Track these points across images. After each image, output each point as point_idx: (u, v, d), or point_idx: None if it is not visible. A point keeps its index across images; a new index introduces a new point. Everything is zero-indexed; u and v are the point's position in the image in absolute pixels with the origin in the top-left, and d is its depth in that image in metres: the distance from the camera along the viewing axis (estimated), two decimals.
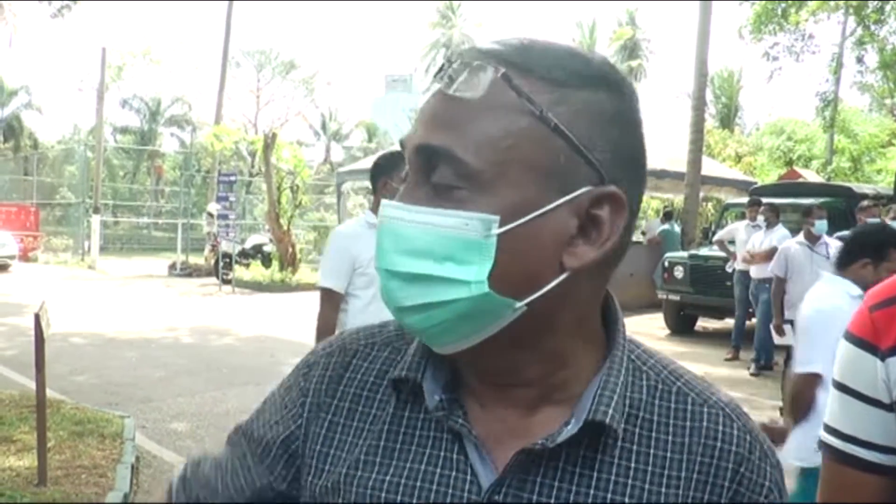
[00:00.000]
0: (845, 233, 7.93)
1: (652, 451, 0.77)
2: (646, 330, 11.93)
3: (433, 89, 0.76)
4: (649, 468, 0.76)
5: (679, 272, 11.18)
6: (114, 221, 32.01)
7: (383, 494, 0.79)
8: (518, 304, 0.72)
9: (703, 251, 11.76)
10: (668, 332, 11.62)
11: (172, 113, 42.15)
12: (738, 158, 25.84)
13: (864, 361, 1.10)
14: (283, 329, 11.05)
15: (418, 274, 0.72)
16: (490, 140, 0.71)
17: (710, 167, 16.70)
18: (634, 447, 0.77)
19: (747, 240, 9.27)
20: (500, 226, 0.70)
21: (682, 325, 11.68)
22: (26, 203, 25.30)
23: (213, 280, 17.08)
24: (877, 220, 7.40)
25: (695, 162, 14.72)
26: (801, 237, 6.99)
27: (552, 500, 0.75)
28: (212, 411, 6.56)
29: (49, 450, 4.63)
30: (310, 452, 0.87)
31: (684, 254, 11.92)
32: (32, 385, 4.89)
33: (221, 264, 16.70)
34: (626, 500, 0.74)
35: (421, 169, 0.74)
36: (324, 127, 46.81)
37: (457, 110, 0.72)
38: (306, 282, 16.99)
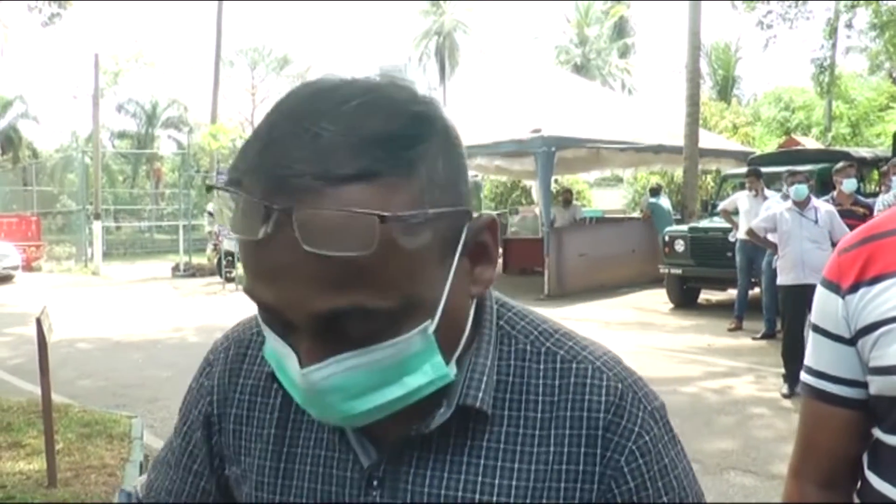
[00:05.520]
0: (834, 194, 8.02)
1: (521, 430, 0.77)
2: (650, 305, 11.93)
3: (261, 238, 0.64)
4: (517, 447, 0.77)
5: (680, 246, 11.17)
6: (115, 227, 32.04)
7: (278, 481, 0.84)
8: (451, 360, 0.74)
9: (704, 223, 11.73)
10: (671, 306, 11.62)
11: (169, 115, 42.14)
12: (736, 129, 25.75)
13: (830, 301, 1.19)
14: None
15: (382, 403, 0.70)
16: (394, 281, 0.66)
17: (707, 139, 16.66)
18: (504, 428, 0.77)
19: (750, 209, 9.26)
20: (434, 321, 0.70)
21: (685, 299, 11.66)
22: (26, 213, 25.29)
23: (217, 279, 17.07)
24: (853, 180, 7.58)
25: (691, 135, 14.67)
26: (790, 203, 7.06)
27: (425, 489, 0.76)
28: None
29: (58, 452, 4.66)
30: (226, 445, 0.91)
31: (684, 227, 11.89)
32: (39, 391, 4.91)
33: (224, 263, 16.69)
34: (497, 481, 0.75)
35: (321, 328, 0.67)
36: None
37: (342, 266, 0.63)
38: None
